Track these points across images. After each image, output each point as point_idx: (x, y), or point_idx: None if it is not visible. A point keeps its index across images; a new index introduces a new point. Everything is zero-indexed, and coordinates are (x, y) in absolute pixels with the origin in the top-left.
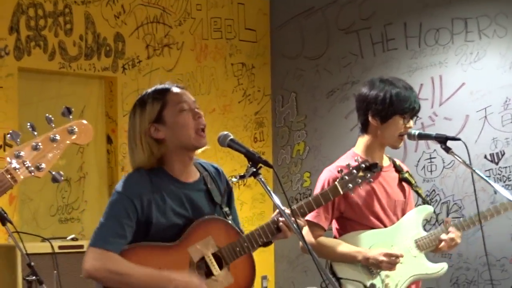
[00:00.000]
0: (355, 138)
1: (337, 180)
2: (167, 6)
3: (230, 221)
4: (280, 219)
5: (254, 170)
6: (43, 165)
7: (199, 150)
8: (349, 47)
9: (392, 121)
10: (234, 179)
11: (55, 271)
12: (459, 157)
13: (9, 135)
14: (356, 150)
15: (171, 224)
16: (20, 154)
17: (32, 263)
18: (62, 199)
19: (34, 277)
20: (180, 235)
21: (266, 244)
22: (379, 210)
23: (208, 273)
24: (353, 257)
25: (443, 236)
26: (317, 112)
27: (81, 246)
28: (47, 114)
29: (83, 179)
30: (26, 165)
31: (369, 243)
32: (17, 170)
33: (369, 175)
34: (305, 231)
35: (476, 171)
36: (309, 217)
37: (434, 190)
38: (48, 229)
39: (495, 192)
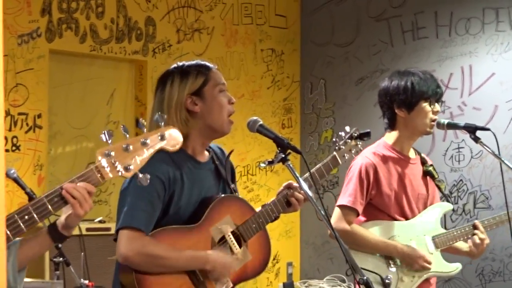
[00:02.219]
0: (383, 126)
1: (334, 150)
2: None
3: (243, 198)
4: (289, 193)
5: (283, 156)
6: (132, 167)
7: None
8: (379, 35)
9: (418, 108)
10: (262, 165)
11: (82, 253)
12: (488, 147)
13: (102, 135)
14: (386, 140)
15: (187, 202)
16: (111, 153)
17: (60, 245)
18: None
19: (61, 259)
20: (195, 215)
21: (273, 219)
22: (405, 203)
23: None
24: (388, 251)
25: (475, 238)
26: (346, 99)
27: (109, 229)
28: (140, 119)
29: None
30: (115, 165)
31: (389, 235)
32: (106, 169)
33: (359, 144)
34: (338, 215)
35: (505, 161)
36: (345, 201)
37: (461, 180)
38: None
39: None
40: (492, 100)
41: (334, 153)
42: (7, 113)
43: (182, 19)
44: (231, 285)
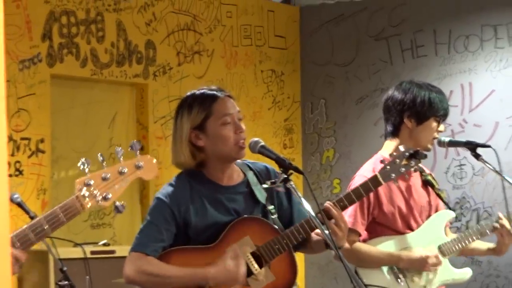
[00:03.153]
0: (383, 144)
1: (379, 171)
2: (198, 13)
3: (271, 219)
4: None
5: (285, 176)
6: (110, 196)
7: None
8: (379, 54)
9: (427, 124)
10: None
11: (87, 276)
12: (489, 164)
13: (80, 163)
14: (384, 154)
15: (210, 227)
16: (90, 183)
17: (65, 268)
18: None
19: (66, 282)
20: (215, 236)
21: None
22: (409, 217)
23: (249, 273)
24: (394, 262)
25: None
26: (347, 118)
27: (113, 251)
28: (117, 148)
29: None
30: (94, 194)
31: (395, 249)
32: (86, 198)
33: (413, 163)
34: None
35: (506, 178)
36: None
37: (464, 197)
38: (80, 234)
39: None
40: (493, 117)
41: (377, 173)
42: (10, 138)
43: (182, 42)
44: None
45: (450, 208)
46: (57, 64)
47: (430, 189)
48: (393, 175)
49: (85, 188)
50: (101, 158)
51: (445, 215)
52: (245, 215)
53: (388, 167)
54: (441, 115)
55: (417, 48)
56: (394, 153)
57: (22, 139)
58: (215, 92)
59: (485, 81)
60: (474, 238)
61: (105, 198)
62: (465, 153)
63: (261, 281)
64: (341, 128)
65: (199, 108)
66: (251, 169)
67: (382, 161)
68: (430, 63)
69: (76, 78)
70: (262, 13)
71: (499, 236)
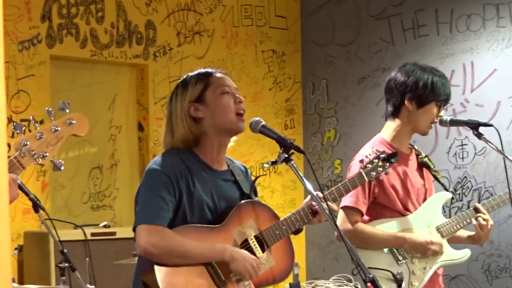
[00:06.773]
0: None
1: (361, 168)
2: None
3: (267, 205)
4: (314, 203)
5: (286, 156)
6: (47, 154)
7: (233, 138)
8: (380, 33)
9: (428, 107)
10: (266, 165)
11: (87, 258)
12: (491, 143)
13: (13, 127)
14: (384, 136)
15: (196, 208)
16: (26, 143)
17: (65, 250)
18: (94, 186)
19: (66, 264)
20: (219, 217)
21: (296, 231)
22: (406, 198)
23: None
24: (398, 243)
25: (479, 220)
26: (348, 99)
27: (113, 233)
28: (46, 108)
29: (115, 166)
30: (32, 153)
31: (396, 231)
32: (24, 158)
33: (387, 165)
34: (342, 216)
35: (508, 157)
36: (347, 202)
37: (465, 177)
38: (80, 216)
39: None
40: (495, 96)
41: (361, 170)
42: (10, 120)
43: (182, 22)
44: None
45: (446, 190)
46: (56, 45)
47: (425, 172)
48: (373, 173)
49: (22, 149)
50: (32, 119)
51: (442, 197)
52: (251, 199)
53: (369, 165)
54: (443, 100)
55: (418, 27)
56: (371, 154)
57: (22, 120)
58: (210, 69)
59: (487, 61)
60: (473, 219)
61: (42, 157)
62: (467, 132)
63: (262, 265)
64: (343, 108)
65: (196, 81)
66: (233, 162)
67: (361, 161)
68: (432, 42)
69: (76, 59)
70: None
71: (476, 227)
